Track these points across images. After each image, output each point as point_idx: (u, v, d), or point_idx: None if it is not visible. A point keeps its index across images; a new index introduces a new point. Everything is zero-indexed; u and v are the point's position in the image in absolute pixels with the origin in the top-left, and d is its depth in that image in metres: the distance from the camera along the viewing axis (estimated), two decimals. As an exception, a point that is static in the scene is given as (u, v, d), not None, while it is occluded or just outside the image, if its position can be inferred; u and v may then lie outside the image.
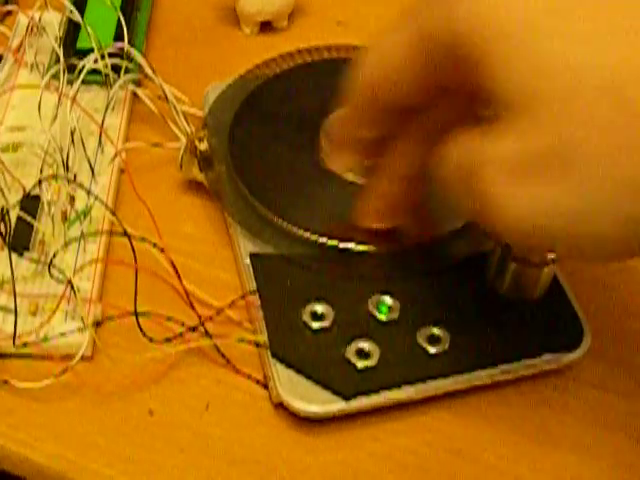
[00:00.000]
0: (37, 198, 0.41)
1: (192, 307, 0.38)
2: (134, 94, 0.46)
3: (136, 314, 0.36)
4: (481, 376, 0.37)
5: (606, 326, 0.41)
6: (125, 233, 0.35)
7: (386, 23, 0.35)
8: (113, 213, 0.39)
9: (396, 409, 0.37)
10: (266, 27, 0.54)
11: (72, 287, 0.38)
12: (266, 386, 0.37)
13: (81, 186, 0.39)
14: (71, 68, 0.44)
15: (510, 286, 0.39)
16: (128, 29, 0.47)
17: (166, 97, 0.44)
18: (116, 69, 0.46)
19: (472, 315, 0.39)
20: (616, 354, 0.41)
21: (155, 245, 0.37)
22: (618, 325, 0.42)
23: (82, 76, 0.43)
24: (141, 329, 0.36)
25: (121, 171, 0.44)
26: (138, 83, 0.47)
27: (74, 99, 0.42)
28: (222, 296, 0.39)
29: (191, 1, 0.56)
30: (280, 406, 0.37)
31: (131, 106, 0.48)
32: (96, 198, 0.38)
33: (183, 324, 0.37)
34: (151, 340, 0.36)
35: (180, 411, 0.37)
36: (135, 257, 0.36)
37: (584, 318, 0.39)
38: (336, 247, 0.40)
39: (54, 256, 0.37)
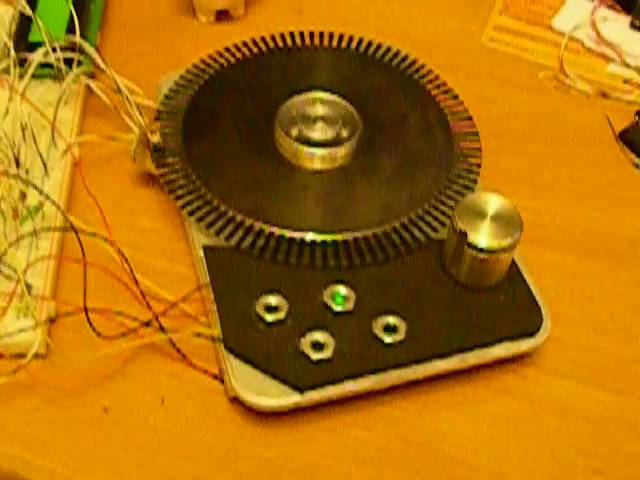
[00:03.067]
0: (-12, 195, 0.40)
1: (146, 302, 0.38)
2: (88, 87, 0.45)
3: (85, 310, 0.35)
4: (439, 365, 0.37)
5: (567, 311, 0.41)
6: (72, 228, 0.35)
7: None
8: (61, 210, 0.38)
9: (354, 400, 0.37)
10: (223, 16, 0.54)
11: (25, 284, 0.37)
12: (222, 380, 0.37)
13: (30, 184, 0.38)
14: (23, 62, 0.44)
15: (467, 273, 0.39)
16: (81, 21, 0.46)
17: (119, 89, 0.43)
18: (69, 62, 0.45)
19: (429, 303, 0.38)
20: (577, 340, 0.41)
21: (106, 240, 0.37)
22: (579, 310, 0.42)
23: (32, 70, 0.42)
24: (91, 325, 0.36)
25: (75, 165, 0.44)
26: (92, 76, 0.46)
27: (23, 94, 0.41)
28: (177, 290, 0.39)
29: (146, -9, 0.56)
30: (236, 400, 0.36)
31: (85, 99, 0.47)
32: (46, 197, 0.37)
33: (137, 319, 0.37)
34: (99, 335, 0.36)
35: (135, 407, 0.37)
36: (83, 252, 0.36)
37: (543, 304, 0.39)
38: (290, 237, 0.39)
39: (4, 254, 0.37)
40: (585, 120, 0.51)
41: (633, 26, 0.56)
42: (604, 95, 0.52)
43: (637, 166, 0.48)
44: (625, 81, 0.53)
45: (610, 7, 0.57)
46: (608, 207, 0.46)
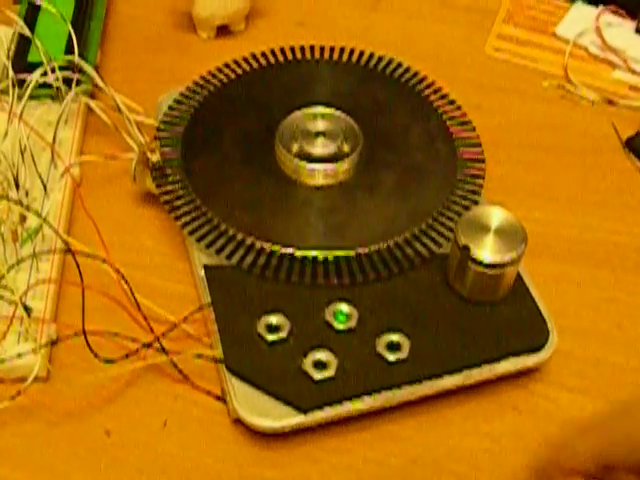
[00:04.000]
0: (-12, 218, 0.40)
1: (147, 323, 0.37)
2: (88, 106, 0.45)
3: (84, 333, 0.35)
4: (444, 383, 0.37)
5: (573, 323, 0.41)
6: (69, 250, 0.35)
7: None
8: (58, 234, 0.38)
9: (359, 419, 0.37)
10: (223, 31, 0.54)
11: (25, 308, 0.37)
12: (225, 401, 0.37)
13: (30, 209, 0.38)
14: (22, 83, 0.44)
15: (471, 288, 0.38)
16: (80, 40, 0.46)
17: (119, 108, 0.43)
18: (69, 82, 0.45)
19: (433, 320, 0.38)
20: (584, 352, 0.40)
21: (105, 261, 0.37)
22: (585, 322, 0.41)
23: (29, 90, 0.42)
24: (91, 348, 0.36)
25: (77, 185, 0.44)
26: (91, 95, 0.46)
27: (21, 115, 0.41)
28: (179, 310, 0.38)
29: (147, 8, 0.55)
30: (239, 421, 0.36)
31: (85, 118, 0.47)
32: (44, 220, 0.37)
33: (137, 341, 0.37)
34: (100, 358, 0.36)
35: (137, 430, 0.36)
36: (81, 275, 0.36)
37: (549, 318, 0.39)
38: (291, 255, 0.39)
39: (2, 277, 0.36)
40: (591, 128, 0.50)
41: (638, 31, 0.55)
42: (610, 102, 0.52)
43: (644, 174, 0.48)
44: (632, 88, 0.53)
45: (614, 13, 0.56)
46: (614, 216, 0.46)
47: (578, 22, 0.56)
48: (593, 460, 0.29)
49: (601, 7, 0.56)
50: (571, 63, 0.54)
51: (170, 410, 0.37)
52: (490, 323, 0.38)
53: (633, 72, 0.53)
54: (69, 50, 0.46)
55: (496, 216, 0.38)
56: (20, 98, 0.43)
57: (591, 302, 0.42)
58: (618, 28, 0.56)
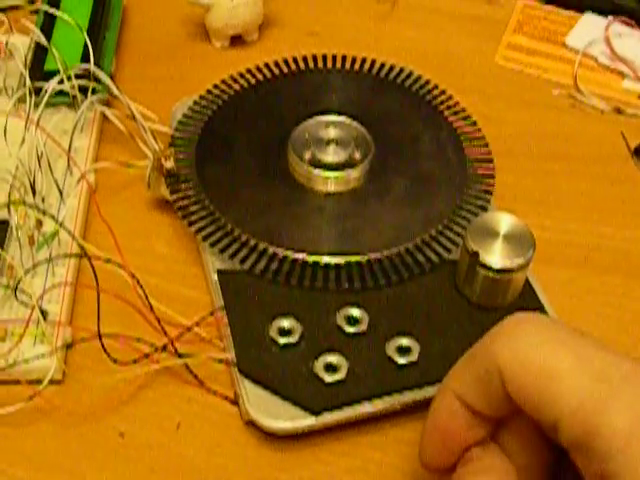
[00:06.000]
0: (5, 223, 0.40)
1: (161, 327, 0.38)
2: (103, 114, 0.46)
3: (100, 336, 0.36)
4: (453, 385, 0.37)
5: (582, 329, 0.41)
6: (85, 255, 0.35)
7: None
8: (74, 238, 0.38)
9: (370, 422, 0.37)
10: (237, 40, 0.54)
11: (41, 311, 0.38)
12: (237, 403, 0.37)
13: (46, 213, 0.39)
14: (39, 91, 0.44)
15: (480, 293, 0.39)
16: (95, 49, 0.47)
17: (133, 116, 0.44)
18: (85, 90, 0.46)
19: (442, 324, 0.38)
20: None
21: (119, 265, 0.37)
22: (593, 329, 0.41)
23: (46, 98, 0.43)
24: (105, 351, 0.36)
25: (93, 191, 0.44)
26: (107, 103, 0.47)
27: (38, 122, 0.41)
28: (193, 314, 0.39)
29: (162, 18, 0.56)
30: (251, 424, 0.36)
31: (101, 126, 0.48)
32: (61, 225, 0.38)
33: (152, 344, 0.37)
34: (115, 360, 0.36)
35: (151, 432, 0.37)
36: (96, 278, 0.36)
37: (558, 323, 0.39)
38: (303, 260, 0.39)
39: (19, 281, 0.37)
40: (600, 137, 0.51)
41: (647, 42, 0.56)
42: (619, 111, 0.52)
43: (653, 182, 0.48)
44: (640, 97, 0.53)
45: (624, 23, 0.57)
46: (624, 223, 0.46)
47: (588, 32, 0.57)
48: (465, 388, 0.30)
49: (610, 17, 0.57)
50: (581, 73, 0.54)
51: (183, 412, 0.37)
52: (499, 328, 0.38)
53: (642, 82, 0.54)
54: (85, 59, 0.47)
55: (505, 222, 0.38)
56: (37, 106, 0.43)
57: (599, 309, 0.42)
58: (628, 38, 0.56)
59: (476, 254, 0.38)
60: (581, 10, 0.59)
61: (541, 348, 0.28)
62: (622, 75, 0.54)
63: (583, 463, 0.27)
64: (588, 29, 0.57)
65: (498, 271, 0.38)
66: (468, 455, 0.31)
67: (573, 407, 0.27)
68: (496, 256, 0.37)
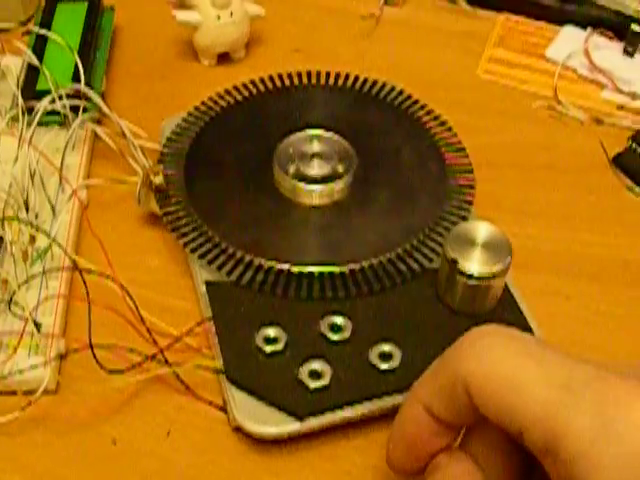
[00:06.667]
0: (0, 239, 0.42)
1: (151, 337, 0.39)
2: (94, 132, 0.47)
3: (91, 347, 0.37)
4: (434, 390, 0.38)
5: (562, 334, 0.42)
6: (76, 268, 0.37)
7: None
8: (66, 252, 0.40)
9: (353, 426, 0.38)
10: (225, 58, 0.56)
11: (35, 323, 0.39)
12: (225, 410, 0.38)
13: (40, 228, 0.40)
14: (32, 110, 0.46)
15: (460, 300, 0.40)
16: (86, 69, 0.48)
17: (124, 134, 0.45)
18: (76, 109, 0.47)
19: (423, 331, 0.39)
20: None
21: (109, 277, 0.38)
22: (573, 334, 0.43)
23: (38, 117, 0.44)
24: (98, 361, 0.37)
25: (84, 207, 0.46)
26: (98, 121, 0.48)
27: (30, 141, 0.43)
28: (183, 325, 0.40)
29: (151, 37, 0.58)
30: (239, 430, 0.37)
31: (92, 144, 0.49)
32: (54, 240, 0.39)
33: (142, 354, 0.38)
34: (107, 370, 0.37)
35: (142, 439, 0.38)
36: (87, 291, 0.38)
37: (537, 328, 0.40)
38: (288, 271, 0.41)
39: (13, 294, 0.38)
40: (579, 146, 0.52)
41: (626, 52, 0.57)
42: (598, 121, 0.53)
43: (631, 190, 0.50)
44: (620, 107, 0.54)
45: (603, 35, 0.58)
46: (603, 231, 0.47)
47: (568, 44, 0.58)
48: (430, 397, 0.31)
49: (590, 30, 0.58)
50: (560, 84, 0.55)
51: (173, 419, 0.39)
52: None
53: (620, 92, 0.55)
54: (76, 79, 0.48)
55: (483, 230, 0.40)
56: (29, 125, 0.45)
57: (579, 314, 0.44)
58: (606, 50, 0.58)
59: (455, 262, 0.39)
60: (561, 23, 0.60)
61: (505, 360, 0.29)
62: (601, 86, 0.56)
63: (550, 468, 0.28)
64: (568, 41, 0.58)
65: (477, 278, 0.39)
66: (435, 462, 0.32)
67: (537, 415, 0.28)
68: (474, 263, 0.39)
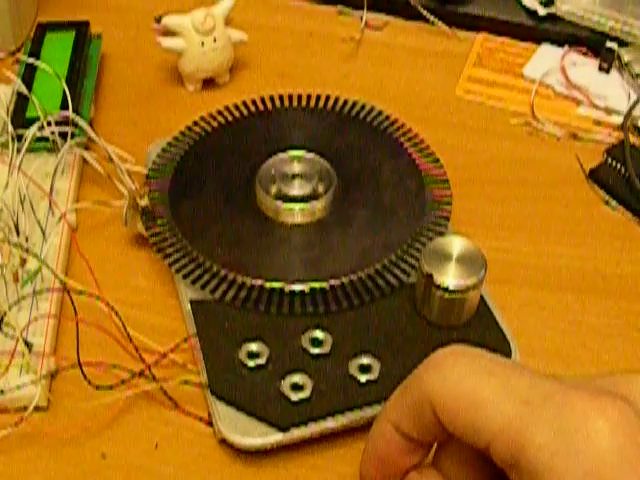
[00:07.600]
0: (-10, 262, 0.43)
1: (139, 354, 0.40)
2: (82, 157, 0.48)
3: (80, 365, 0.38)
4: (412, 400, 0.39)
5: (539, 345, 0.44)
6: (65, 289, 0.38)
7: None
8: (55, 274, 0.41)
9: (335, 437, 0.39)
10: (210, 83, 0.57)
11: (25, 343, 0.40)
12: (211, 424, 0.39)
13: (30, 251, 0.41)
14: (21, 137, 0.47)
15: (437, 313, 0.41)
16: (74, 97, 0.50)
17: (111, 158, 0.47)
18: (65, 135, 0.48)
19: (402, 343, 0.41)
20: (548, 371, 0.42)
21: (98, 298, 0.40)
22: (550, 343, 0.44)
23: (27, 143, 0.46)
24: (86, 378, 0.39)
25: (73, 230, 0.47)
26: (86, 147, 0.49)
27: (20, 167, 0.44)
28: (169, 342, 0.41)
29: (137, 64, 0.59)
30: (225, 442, 0.39)
31: (80, 168, 0.50)
32: (43, 262, 0.40)
33: (130, 370, 0.40)
34: (96, 387, 0.39)
35: (131, 452, 0.39)
36: (75, 311, 0.39)
37: (512, 338, 0.41)
38: (270, 288, 0.42)
39: (4, 315, 0.40)
40: (556, 162, 0.53)
41: (601, 69, 0.59)
42: (574, 137, 0.55)
43: (607, 203, 0.51)
44: (597, 122, 0.56)
45: (579, 52, 0.60)
46: (578, 243, 0.49)
47: (544, 62, 0.60)
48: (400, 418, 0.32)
49: (566, 47, 0.60)
50: (537, 101, 0.57)
51: (161, 433, 0.40)
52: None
53: (596, 107, 0.56)
54: (64, 106, 0.49)
55: (457, 245, 0.41)
56: (19, 151, 0.46)
57: (556, 325, 0.45)
58: (582, 67, 0.59)
59: (430, 276, 0.40)
60: (538, 42, 0.62)
61: (468, 378, 0.30)
62: (577, 102, 0.57)
63: None
64: (545, 59, 0.60)
65: (452, 291, 0.40)
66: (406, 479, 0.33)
67: (500, 430, 0.29)
68: (449, 277, 0.40)
